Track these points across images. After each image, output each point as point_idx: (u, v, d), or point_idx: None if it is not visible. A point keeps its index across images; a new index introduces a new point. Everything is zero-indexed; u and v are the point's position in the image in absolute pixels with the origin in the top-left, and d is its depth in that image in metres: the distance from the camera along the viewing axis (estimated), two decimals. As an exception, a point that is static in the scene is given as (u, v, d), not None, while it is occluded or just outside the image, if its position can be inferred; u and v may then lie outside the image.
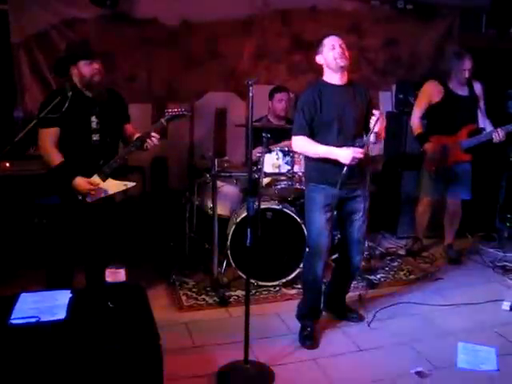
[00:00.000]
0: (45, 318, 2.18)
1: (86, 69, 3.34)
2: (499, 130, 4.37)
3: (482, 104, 4.70)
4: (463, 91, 4.63)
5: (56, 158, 3.37)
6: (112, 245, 3.59)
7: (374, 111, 3.19)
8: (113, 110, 3.54)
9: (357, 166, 3.23)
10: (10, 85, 4.76)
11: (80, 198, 3.42)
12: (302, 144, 3.33)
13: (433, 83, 4.71)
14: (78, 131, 3.40)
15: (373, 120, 3.17)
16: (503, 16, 5.62)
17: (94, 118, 3.43)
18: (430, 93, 4.69)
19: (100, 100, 3.45)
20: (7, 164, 4.34)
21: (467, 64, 4.49)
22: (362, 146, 3.17)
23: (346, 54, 3.25)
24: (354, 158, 3.14)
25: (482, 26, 5.90)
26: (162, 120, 3.52)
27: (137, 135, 3.54)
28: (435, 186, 4.77)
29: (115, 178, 3.50)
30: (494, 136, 4.38)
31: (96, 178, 3.44)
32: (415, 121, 4.75)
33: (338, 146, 3.23)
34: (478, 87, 4.67)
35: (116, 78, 5.01)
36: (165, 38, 5.17)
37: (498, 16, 5.65)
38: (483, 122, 4.67)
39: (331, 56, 3.25)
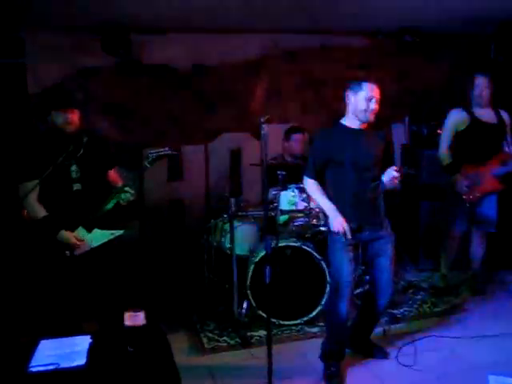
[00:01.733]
0: (64, 364, 2.17)
1: (58, 119, 3.25)
2: None
3: (508, 131, 4.59)
4: (490, 118, 4.53)
5: (39, 211, 3.27)
6: (123, 288, 3.51)
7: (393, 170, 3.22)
8: (94, 157, 3.42)
9: (373, 208, 3.31)
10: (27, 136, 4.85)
11: (67, 253, 3.30)
12: (309, 187, 3.43)
13: (457, 111, 4.61)
14: (57, 182, 3.27)
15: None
16: (511, 43, 5.63)
17: (73, 167, 3.32)
18: (456, 121, 4.58)
19: (77, 148, 3.32)
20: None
21: (478, 81, 4.46)
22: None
23: (377, 108, 3.23)
24: (338, 231, 3.20)
25: (490, 53, 5.91)
26: (145, 163, 3.40)
27: (119, 184, 3.44)
28: (464, 217, 4.62)
29: (102, 227, 3.38)
30: None
31: (81, 230, 3.32)
32: (444, 151, 4.62)
33: (354, 190, 3.26)
34: (505, 115, 4.59)
35: (132, 124, 5.11)
36: (177, 83, 5.28)
37: (506, 43, 5.67)
38: (509, 150, 4.55)
39: (364, 106, 3.20)
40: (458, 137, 4.57)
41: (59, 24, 4.63)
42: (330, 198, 3.32)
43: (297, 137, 4.96)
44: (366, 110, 3.20)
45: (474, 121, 4.50)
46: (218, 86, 5.41)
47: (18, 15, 4.30)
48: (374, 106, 3.20)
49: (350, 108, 3.29)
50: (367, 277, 3.60)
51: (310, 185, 3.40)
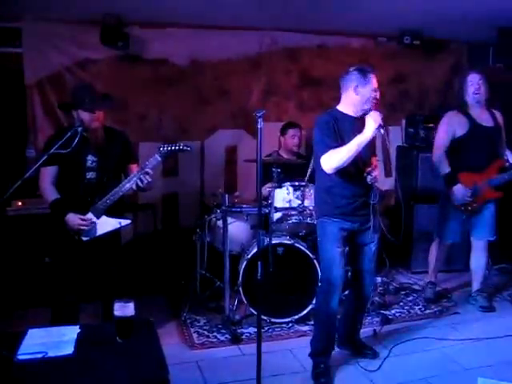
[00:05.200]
0: (52, 353, 2.15)
1: (86, 117, 3.38)
2: None
3: (503, 134, 4.40)
4: (487, 120, 4.31)
5: (51, 195, 3.43)
6: (121, 282, 3.56)
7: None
8: (112, 149, 3.54)
9: (367, 197, 3.29)
10: (22, 125, 4.83)
11: (76, 237, 3.41)
12: (333, 157, 3.13)
13: (454, 114, 4.35)
14: (71, 169, 3.43)
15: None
16: (511, 50, 5.64)
17: (89, 157, 3.45)
18: (454, 125, 4.31)
19: (95, 140, 3.46)
20: (19, 203, 4.37)
21: (473, 78, 4.26)
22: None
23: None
24: (376, 121, 3.13)
25: (489, 59, 5.92)
26: (157, 155, 3.46)
27: None
28: (455, 228, 4.43)
29: (111, 215, 3.47)
30: None
31: (89, 215, 3.42)
32: (442, 158, 4.34)
33: (353, 176, 3.25)
34: (498, 114, 4.39)
35: (128, 116, 5.08)
36: (175, 78, 5.26)
37: (506, 50, 5.68)
38: (507, 154, 4.41)
39: (369, 99, 3.22)
40: (457, 142, 4.32)
41: (58, 15, 4.60)
42: (325, 190, 3.33)
43: (294, 131, 4.96)
44: (370, 104, 3.23)
45: (474, 125, 4.27)
46: (215, 83, 5.40)
47: (17, 5, 4.27)
48: (378, 96, 3.27)
49: (354, 99, 3.26)
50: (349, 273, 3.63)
51: (332, 153, 3.13)
